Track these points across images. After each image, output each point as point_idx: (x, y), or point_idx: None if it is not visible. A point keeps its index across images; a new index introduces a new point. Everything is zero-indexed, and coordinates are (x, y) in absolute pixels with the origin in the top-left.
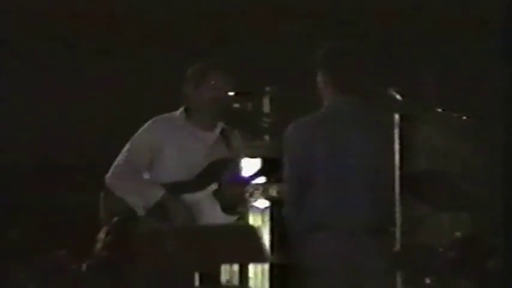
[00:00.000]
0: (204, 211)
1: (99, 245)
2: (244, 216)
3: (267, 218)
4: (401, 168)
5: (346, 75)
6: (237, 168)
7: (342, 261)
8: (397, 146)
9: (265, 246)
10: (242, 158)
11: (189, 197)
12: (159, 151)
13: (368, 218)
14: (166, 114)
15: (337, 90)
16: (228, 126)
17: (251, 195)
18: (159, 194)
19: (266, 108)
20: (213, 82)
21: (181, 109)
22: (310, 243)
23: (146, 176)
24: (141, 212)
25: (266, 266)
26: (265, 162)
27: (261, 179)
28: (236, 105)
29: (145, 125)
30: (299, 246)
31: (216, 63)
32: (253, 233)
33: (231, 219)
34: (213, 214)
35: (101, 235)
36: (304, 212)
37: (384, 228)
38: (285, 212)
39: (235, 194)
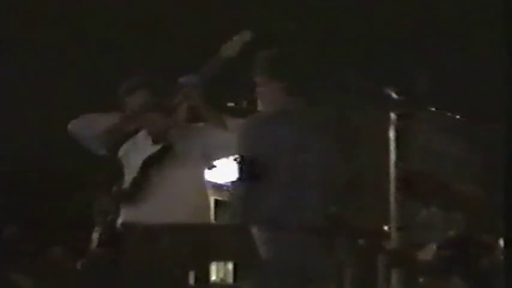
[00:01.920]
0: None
1: (93, 245)
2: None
3: None
4: (395, 167)
5: (298, 79)
6: None
7: (289, 260)
8: (392, 145)
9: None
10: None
11: None
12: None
13: (317, 217)
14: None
15: (288, 92)
16: None
17: None
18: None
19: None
20: (130, 109)
21: None
22: (260, 241)
23: None
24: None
25: None
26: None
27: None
28: (231, 104)
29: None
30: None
31: (126, 87)
32: (247, 232)
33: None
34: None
35: (95, 235)
36: (254, 208)
37: (333, 227)
38: (233, 207)
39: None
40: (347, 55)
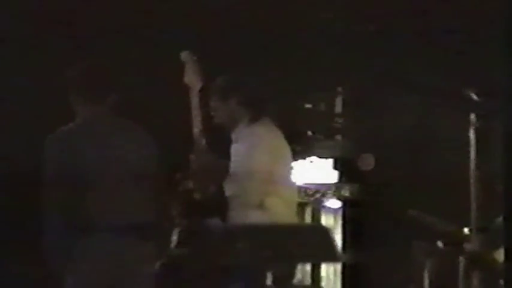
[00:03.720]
0: None
1: (172, 245)
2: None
3: (339, 218)
4: (476, 168)
5: (98, 91)
6: None
7: (106, 263)
8: (473, 147)
9: (337, 246)
10: None
11: None
12: None
13: (135, 217)
14: None
15: (91, 103)
16: None
17: (323, 195)
18: None
19: (338, 108)
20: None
21: None
22: (81, 246)
23: None
24: None
25: (338, 266)
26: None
27: (334, 179)
28: (308, 105)
29: None
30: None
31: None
32: (326, 233)
33: None
34: None
35: (174, 236)
36: (76, 216)
37: (153, 228)
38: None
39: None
40: (427, 57)
